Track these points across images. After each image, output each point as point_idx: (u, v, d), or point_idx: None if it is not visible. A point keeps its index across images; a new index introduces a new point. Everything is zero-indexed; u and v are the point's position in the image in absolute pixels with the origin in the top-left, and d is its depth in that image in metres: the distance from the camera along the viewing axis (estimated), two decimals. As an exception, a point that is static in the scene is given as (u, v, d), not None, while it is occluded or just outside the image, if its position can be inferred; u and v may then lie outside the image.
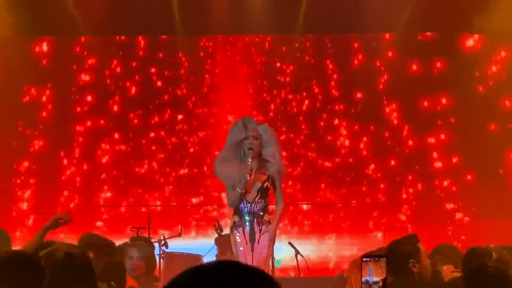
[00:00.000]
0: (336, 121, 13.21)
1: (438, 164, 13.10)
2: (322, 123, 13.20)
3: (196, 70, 13.19)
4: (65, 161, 13.02)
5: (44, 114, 13.02)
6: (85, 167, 13.01)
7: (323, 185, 12.91)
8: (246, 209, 7.99)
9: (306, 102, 13.24)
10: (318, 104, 13.25)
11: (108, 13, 12.62)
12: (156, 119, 13.16)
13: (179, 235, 10.51)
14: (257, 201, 7.85)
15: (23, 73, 12.72)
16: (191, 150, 13.10)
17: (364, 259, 3.21)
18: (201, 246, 11.04)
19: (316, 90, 13.25)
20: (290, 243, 10.05)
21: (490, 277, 4.31)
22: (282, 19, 12.87)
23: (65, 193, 12.91)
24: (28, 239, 11.96)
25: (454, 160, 13.06)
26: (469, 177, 12.94)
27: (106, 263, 5.63)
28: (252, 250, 7.66)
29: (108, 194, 12.88)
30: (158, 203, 12.95)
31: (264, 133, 7.92)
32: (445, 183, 13.00)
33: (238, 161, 7.84)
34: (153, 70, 13.20)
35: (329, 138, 13.17)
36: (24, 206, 12.94)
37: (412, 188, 12.98)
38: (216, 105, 13.24)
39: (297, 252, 9.88)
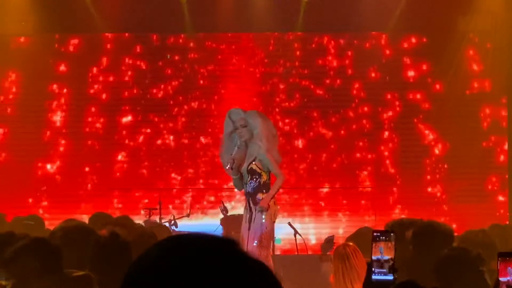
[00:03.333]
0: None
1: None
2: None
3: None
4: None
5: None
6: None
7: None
8: (245, 191, 8.48)
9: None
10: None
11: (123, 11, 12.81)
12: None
13: (188, 215, 11.24)
14: (249, 182, 8.18)
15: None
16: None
17: (375, 234, 3.26)
18: (208, 226, 11.71)
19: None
20: (289, 224, 10.45)
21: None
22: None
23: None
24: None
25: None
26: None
27: (138, 233, 5.56)
28: (249, 229, 8.03)
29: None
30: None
31: (250, 118, 8.16)
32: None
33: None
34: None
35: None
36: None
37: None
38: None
39: (295, 232, 10.28)
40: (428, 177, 13.10)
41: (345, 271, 5.12)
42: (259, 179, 8.11)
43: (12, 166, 12.80)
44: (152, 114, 13.18)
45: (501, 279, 3.24)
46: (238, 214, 9.77)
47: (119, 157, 13.10)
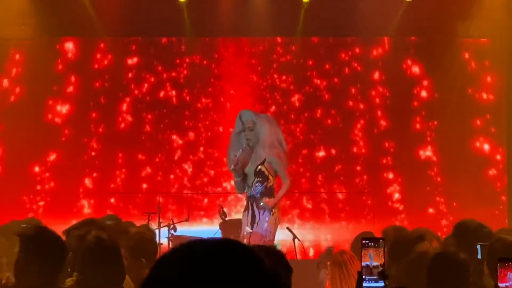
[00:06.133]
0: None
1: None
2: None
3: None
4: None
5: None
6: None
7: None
8: (248, 193, 8.26)
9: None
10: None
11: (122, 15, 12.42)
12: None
13: (187, 220, 11.11)
14: (255, 184, 8.15)
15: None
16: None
17: (364, 242, 3.22)
18: (207, 230, 11.67)
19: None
20: (288, 228, 10.25)
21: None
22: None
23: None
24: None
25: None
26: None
27: (138, 239, 5.50)
28: (251, 233, 8.03)
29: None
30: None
31: (258, 123, 8.11)
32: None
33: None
34: None
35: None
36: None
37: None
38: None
39: (294, 237, 10.09)
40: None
41: (342, 278, 5.15)
42: (265, 183, 8.02)
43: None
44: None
45: (500, 284, 3.18)
46: (237, 219, 9.70)
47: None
